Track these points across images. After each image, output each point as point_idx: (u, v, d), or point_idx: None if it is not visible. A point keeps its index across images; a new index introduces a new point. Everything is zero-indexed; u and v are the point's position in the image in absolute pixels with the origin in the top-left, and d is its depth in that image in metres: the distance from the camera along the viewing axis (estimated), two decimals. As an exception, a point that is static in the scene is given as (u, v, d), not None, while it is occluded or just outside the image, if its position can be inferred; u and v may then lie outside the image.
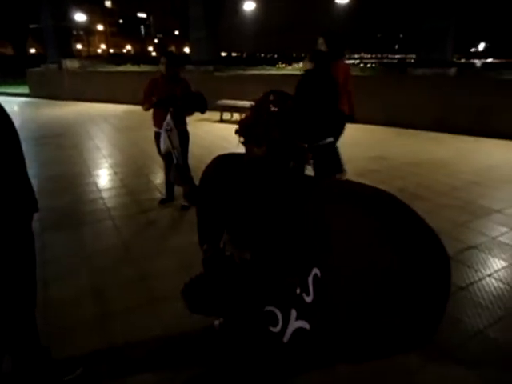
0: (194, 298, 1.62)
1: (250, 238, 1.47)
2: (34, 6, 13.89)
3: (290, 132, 1.38)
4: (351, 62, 26.01)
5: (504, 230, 3.55)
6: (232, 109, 8.96)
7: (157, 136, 3.98)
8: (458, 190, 4.55)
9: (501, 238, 3.39)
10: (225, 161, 1.64)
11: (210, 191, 1.63)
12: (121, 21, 63.49)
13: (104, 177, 5.31)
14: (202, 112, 4.17)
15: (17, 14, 24.69)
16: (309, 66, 3.50)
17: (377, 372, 1.93)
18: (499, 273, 2.87)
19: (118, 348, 2.16)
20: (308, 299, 1.45)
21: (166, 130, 3.82)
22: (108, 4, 57.20)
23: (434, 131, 7.68)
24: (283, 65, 20.81)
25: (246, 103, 7.62)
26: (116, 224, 3.76)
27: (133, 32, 63.96)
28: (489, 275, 2.83)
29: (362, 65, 23.60)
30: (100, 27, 57.11)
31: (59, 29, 12.76)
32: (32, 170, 5.64)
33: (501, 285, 2.71)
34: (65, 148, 6.87)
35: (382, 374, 1.93)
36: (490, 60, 49.45)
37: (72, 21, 15.02)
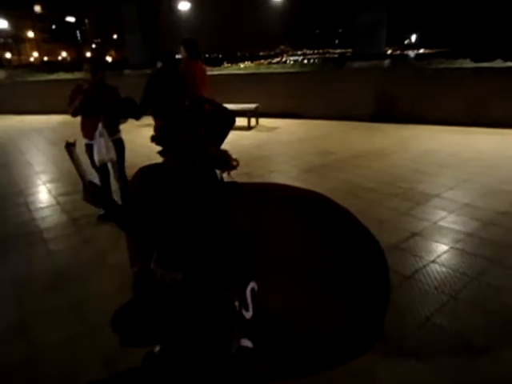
0: (125, 328, 1.46)
1: (181, 256, 1.34)
2: None
3: (206, 137, 1.27)
4: (295, 58, 26.37)
5: (443, 214, 3.67)
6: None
7: (88, 148, 3.69)
8: (400, 178, 4.68)
9: (441, 223, 3.50)
10: (148, 173, 1.49)
11: (136, 206, 1.48)
12: (54, 26, 60.11)
13: (36, 195, 4.89)
14: (137, 118, 3.95)
15: None
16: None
17: (333, 375, 1.87)
18: (441, 257, 2.94)
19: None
20: (247, 315, 1.35)
21: (100, 139, 3.58)
22: (37, 9, 53.84)
23: (375, 122, 7.93)
24: (228, 64, 20.73)
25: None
26: (49, 247, 3.45)
27: (68, 38, 60.81)
28: (432, 261, 2.90)
29: (305, 61, 23.98)
30: (31, 34, 53.69)
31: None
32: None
33: (444, 269, 2.78)
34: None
35: (338, 376, 1.87)
36: (421, 51, 52.58)
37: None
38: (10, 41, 47.98)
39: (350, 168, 5.20)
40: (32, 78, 13.02)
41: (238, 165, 1.38)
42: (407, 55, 34.71)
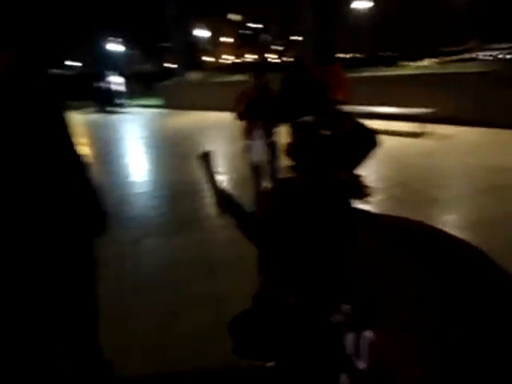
0: (240, 336, 1.51)
1: (293, 280, 1.30)
2: (165, 26, 15.69)
3: (340, 159, 1.17)
4: (487, 53, 22.53)
5: None
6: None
7: (247, 148, 3.99)
8: None
9: None
10: (281, 186, 1.49)
11: (263, 218, 1.51)
12: (244, 31, 67.57)
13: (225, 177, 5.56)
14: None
15: (150, 34, 28.38)
16: None
17: None
18: None
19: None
20: (360, 365, 1.20)
21: (258, 141, 3.82)
22: (231, 17, 61.31)
23: None
24: (407, 63, 18.92)
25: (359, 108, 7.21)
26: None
27: (254, 42, 67.36)
28: None
29: (500, 56, 20.22)
30: (225, 39, 61.61)
31: (185, 45, 14.13)
32: (151, 176, 6.36)
33: None
34: (180, 157, 7.49)
35: None
36: None
37: (196, 37, 16.44)
38: (208, 46, 56.26)
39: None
40: (218, 79, 14.93)
41: (370, 194, 1.24)
42: None
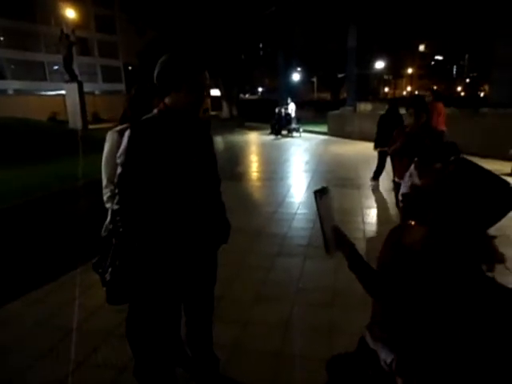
0: (336, 377, 1.49)
1: (400, 338, 1.19)
2: (344, 58, 16.20)
3: (480, 218, 1.05)
4: None
5: None
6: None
7: (397, 187, 3.80)
8: None
9: None
10: (399, 235, 1.32)
11: (383, 269, 1.33)
12: (432, 63, 63.43)
13: (370, 215, 5.54)
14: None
15: (334, 65, 29.46)
16: None
17: None
18: None
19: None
20: None
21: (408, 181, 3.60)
22: (421, 48, 58.43)
23: None
24: None
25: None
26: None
27: (442, 73, 62.47)
28: None
29: None
30: (409, 70, 59.10)
31: (358, 76, 14.28)
32: (303, 198, 6.62)
33: None
34: (333, 182, 7.60)
35: None
36: None
37: (372, 68, 16.37)
38: (389, 77, 54.95)
39: None
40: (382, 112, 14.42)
41: (503, 261, 1.04)
42: None
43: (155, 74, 1.63)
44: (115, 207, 1.64)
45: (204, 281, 1.95)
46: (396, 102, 7.32)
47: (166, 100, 1.66)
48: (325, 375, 1.51)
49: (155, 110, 1.68)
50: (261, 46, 30.64)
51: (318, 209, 1.35)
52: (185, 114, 1.67)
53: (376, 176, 7.09)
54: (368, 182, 7.20)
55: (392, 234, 1.41)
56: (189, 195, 1.69)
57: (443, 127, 6.81)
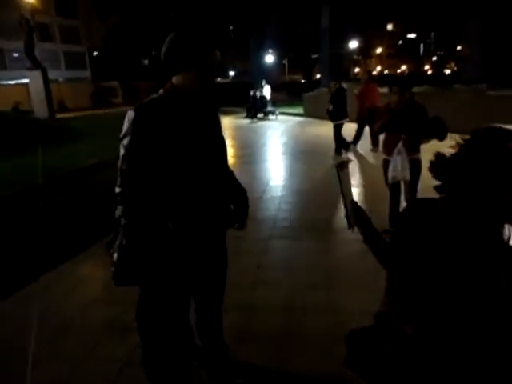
0: (356, 350, 1.49)
1: (414, 310, 1.20)
2: (317, 39, 16.13)
3: (504, 182, 1.04)
4: None
5: None
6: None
7: (385, 164, 3.85)
8: None
9: None
10: (422, 209, 1.28)
11: (397, 242, 1.33)
12: (400, 42, 64.23)
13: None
14: (441, 139, 3.74)
15: (304, 46, 29.37)
16: None
17: None
18: None
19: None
20: None
21: (398, 157, 3.63)
22: (389, 27, 58.99)
23: None
24: None
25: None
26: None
27: (410, 52, 63.40)
28: None
29: None
30: (378, 50, 59.64)
31: (332, 57, 14.28)
32: (284, 182, 6.66)
33: None
34: (314, 164, 7.65)
35: None
36: None
37: (345, 48, 16.41)
38: (359, 57, 55.33)
39: None
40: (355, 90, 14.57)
41: None
42: None
43: (162, 52, 1.55)
44: (117, 190, 1.58)
45: (217, 265, 1.92)
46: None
47: (174, 79, 1.59)
48: (336, 352, 1.52)
49: (161, 90, 1.61)
50: (231, 28, 30.03)
51: (340, 184, 1.34)
52: (193, 95, 1.61)
53: (355, 142, 8.46)
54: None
55: (413, 207, 1.37)
56: (198, 178, 1.64)
57: (378, 103, 7.69)
